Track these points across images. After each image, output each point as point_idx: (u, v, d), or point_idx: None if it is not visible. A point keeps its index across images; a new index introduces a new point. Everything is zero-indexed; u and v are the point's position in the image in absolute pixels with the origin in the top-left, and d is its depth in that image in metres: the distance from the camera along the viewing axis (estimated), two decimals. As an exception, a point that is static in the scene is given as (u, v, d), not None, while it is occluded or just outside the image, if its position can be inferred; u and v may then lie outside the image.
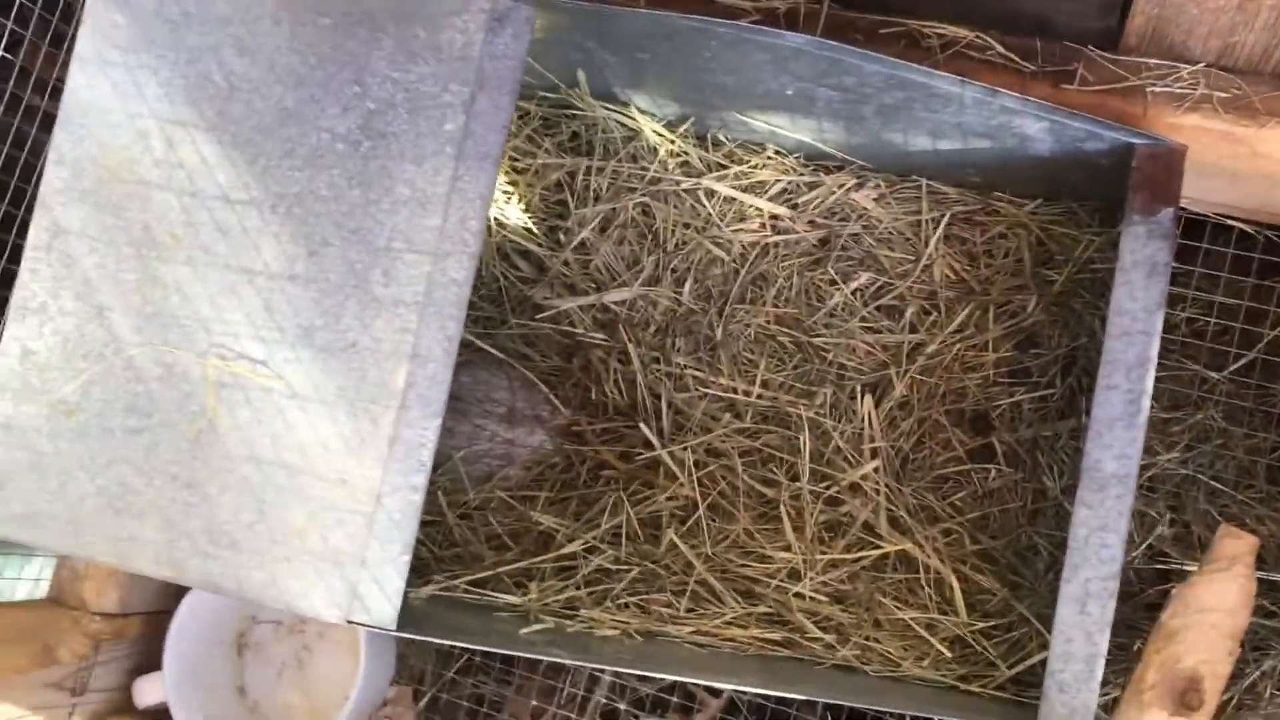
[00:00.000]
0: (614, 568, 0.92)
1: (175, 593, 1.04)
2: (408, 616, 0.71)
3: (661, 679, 1.00)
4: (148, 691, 1.02)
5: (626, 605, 0.91)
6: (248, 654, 1.09)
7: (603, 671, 1.02)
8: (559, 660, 0.85)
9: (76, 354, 0.75)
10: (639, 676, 1.02)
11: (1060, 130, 0.84)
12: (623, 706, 1.02)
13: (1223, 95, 0.86)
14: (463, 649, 1.06)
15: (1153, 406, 0.90)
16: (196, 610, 1.02)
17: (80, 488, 0.74)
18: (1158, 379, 0.81)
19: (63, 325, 0.76)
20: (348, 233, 0.73)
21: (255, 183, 0.74)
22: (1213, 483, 0.98)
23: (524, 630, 0.84)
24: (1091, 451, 0.79)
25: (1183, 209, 0.96)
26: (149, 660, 1.04)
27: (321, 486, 0.71)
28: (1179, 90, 0.87)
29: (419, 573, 0.91)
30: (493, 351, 1.02)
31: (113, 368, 0.74)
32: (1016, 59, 0.90)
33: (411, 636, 0.74)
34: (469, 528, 0.96)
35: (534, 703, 1.05)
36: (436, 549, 0.95)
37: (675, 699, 1.02)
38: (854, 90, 0.85)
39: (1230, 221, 0.95)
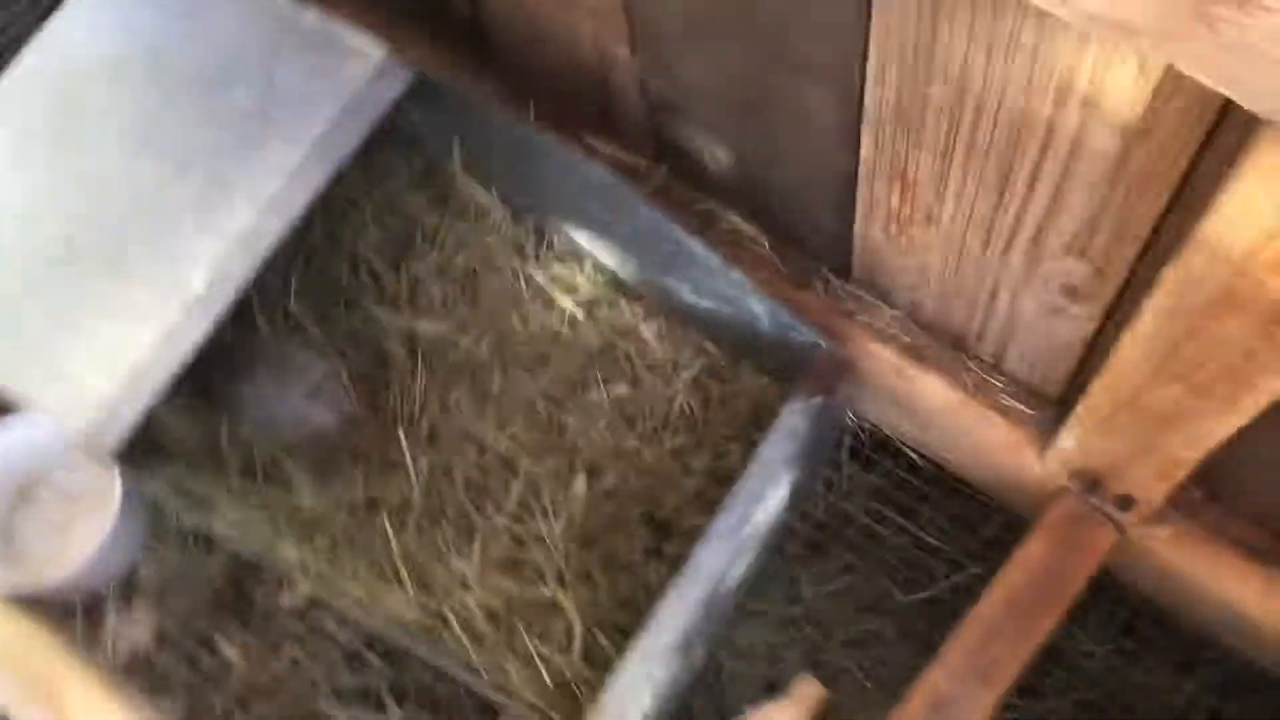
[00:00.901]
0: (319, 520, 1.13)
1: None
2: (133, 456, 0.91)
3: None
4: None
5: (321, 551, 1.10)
6: (24, 507, 1.27)
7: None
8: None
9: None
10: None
11: (775, 315, 1.08)
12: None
13: (905, 340, 1.11)
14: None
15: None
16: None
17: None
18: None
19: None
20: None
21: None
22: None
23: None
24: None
25: (869, 423, 1.21)
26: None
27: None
28: (877, 325, 1.12)
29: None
30: (320, 337, 1.24)
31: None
32: (778, 260, 1.16)
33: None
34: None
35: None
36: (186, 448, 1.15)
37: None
38: (642, 231, 1.10)
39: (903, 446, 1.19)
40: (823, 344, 1.06)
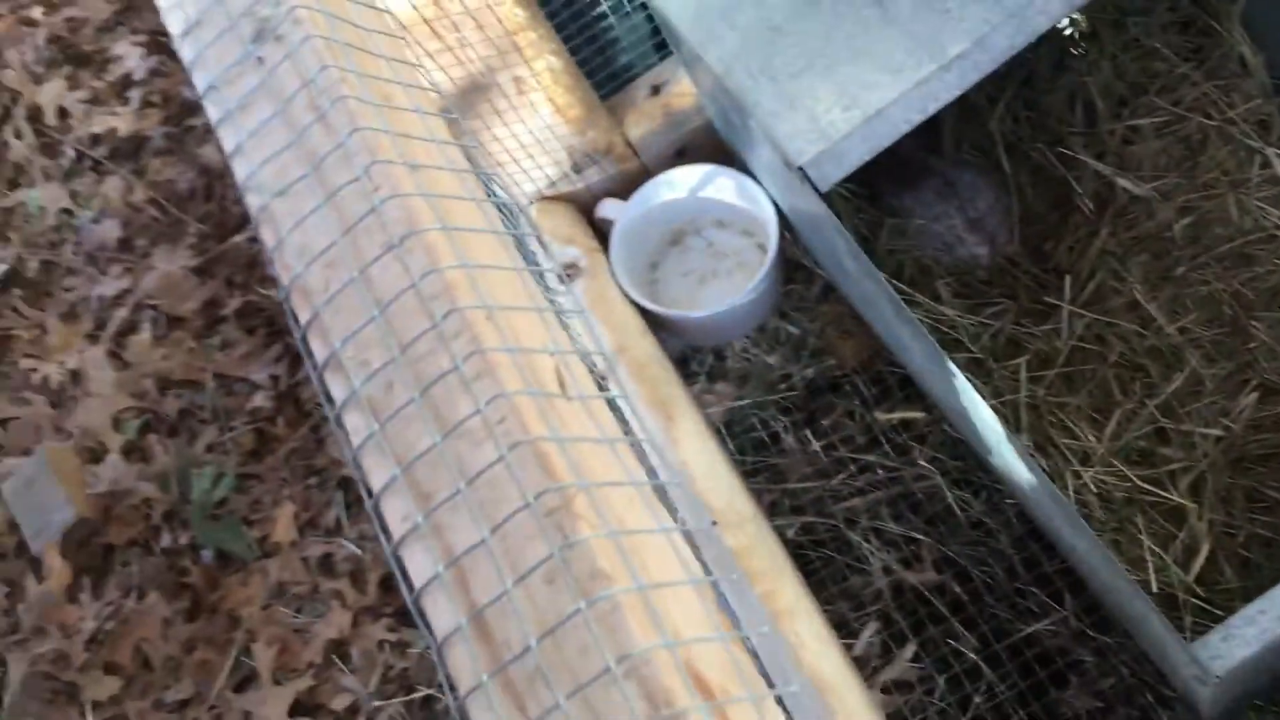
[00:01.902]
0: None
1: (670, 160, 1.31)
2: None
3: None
4: (607, 208, 1.29)
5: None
6: (676, 248, 1.35)
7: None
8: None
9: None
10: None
11: None
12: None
13: None
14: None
15: None
16: (662, 189, 1.27)
17: None
18: None
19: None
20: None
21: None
22: None
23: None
24: None
25: None
26: (619, 190, 1.31)
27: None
28: None
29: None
30: (1005, 164, 1.18)
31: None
32: None
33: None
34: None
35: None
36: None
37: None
38: None
39: None
40: None
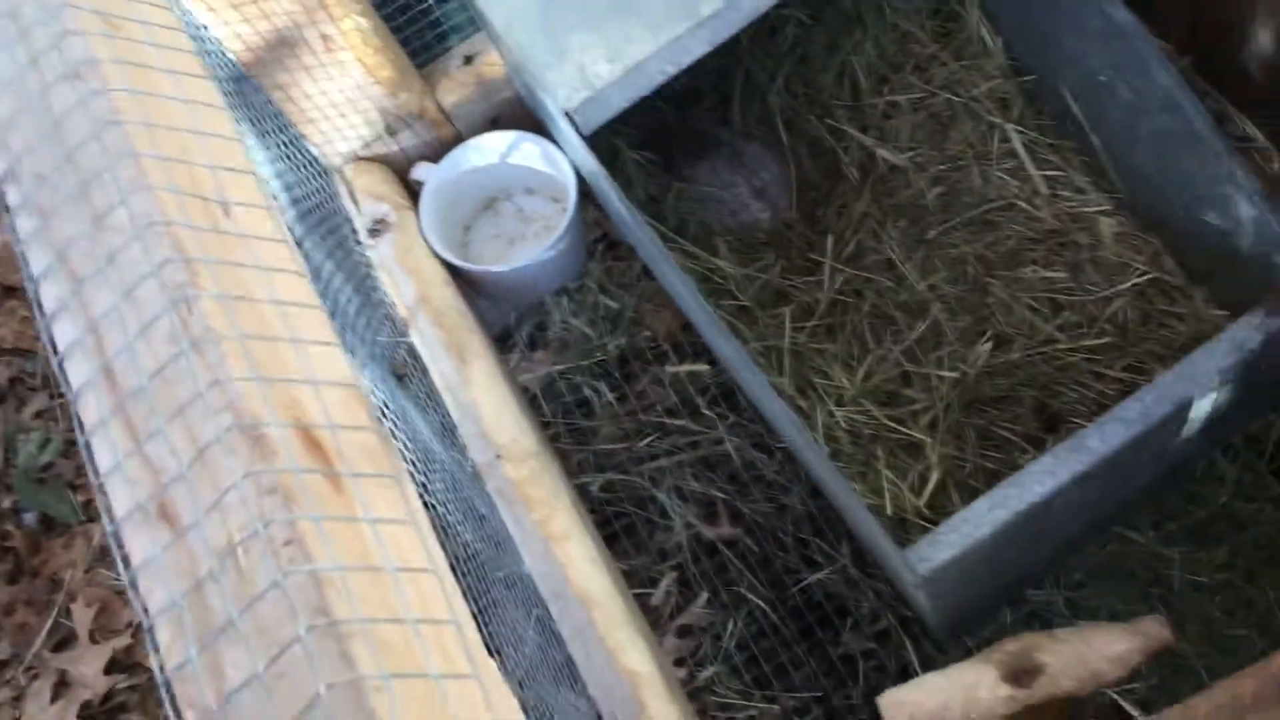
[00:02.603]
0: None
1: (483, 128, 1.38)
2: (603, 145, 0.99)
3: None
4: (420, 170, 1.36)
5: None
6: (488, 213, 1.42)
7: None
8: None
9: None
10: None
11: (1261, 228, 0.98)
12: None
13: None
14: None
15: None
16: (470, 154, 1.34)
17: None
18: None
19: None
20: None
21: None
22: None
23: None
24: (1090, 422, 0.94)
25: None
26: (434, 155, 1.38)
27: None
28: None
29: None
30: (783, 136, 1.28)
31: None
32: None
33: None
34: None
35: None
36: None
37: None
38: (1142, 99, 1.03)
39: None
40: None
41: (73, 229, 0.45)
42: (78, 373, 0.44)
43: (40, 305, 0.46)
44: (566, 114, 0.99)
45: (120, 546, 0.41)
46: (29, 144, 0.48)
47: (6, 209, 0.50)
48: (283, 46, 1.19)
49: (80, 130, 0.47)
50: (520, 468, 1.14)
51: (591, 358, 1.62)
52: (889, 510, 1.08)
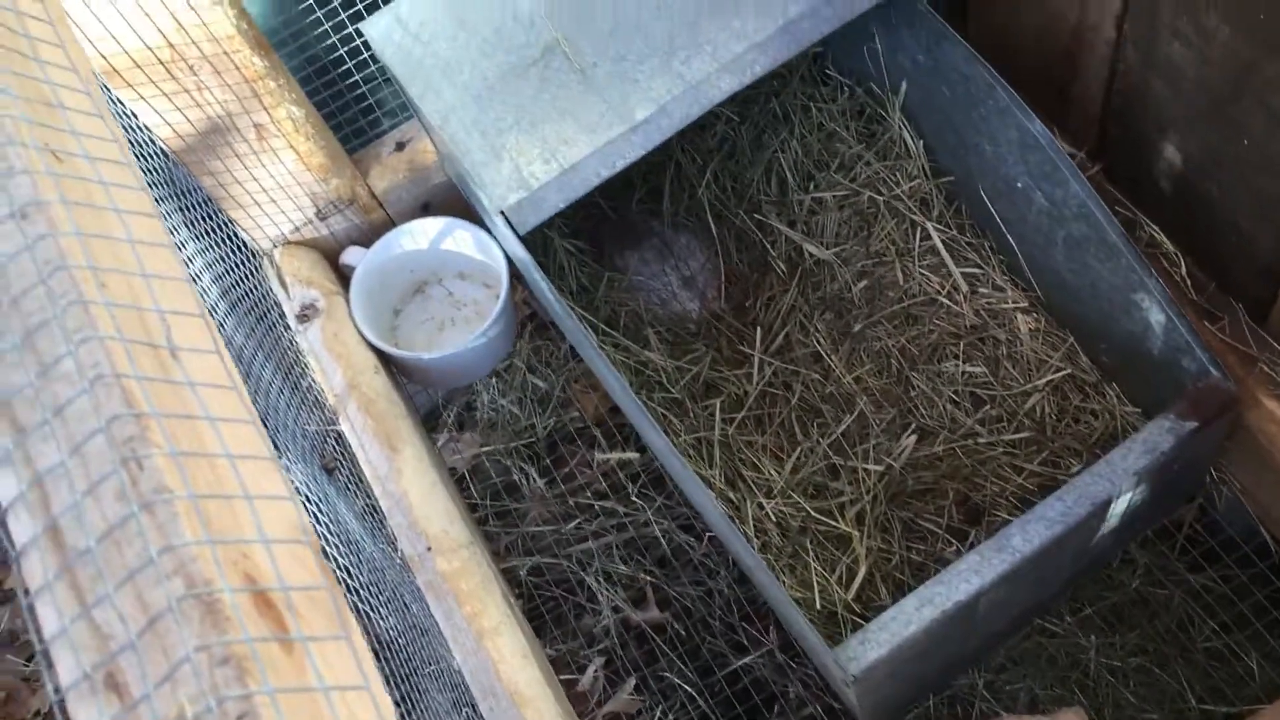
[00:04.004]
0: (662, 380, 1.18)
1: (415, 213, 1.38)
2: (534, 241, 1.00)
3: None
4: (350, 255, 1.36)
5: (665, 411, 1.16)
6: (418, 296, 1.42)
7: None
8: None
9: None
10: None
11: (1170, 334, 1.03)
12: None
13: (1307, 404, 1.02)
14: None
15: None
16: (403, 239, 1.35)
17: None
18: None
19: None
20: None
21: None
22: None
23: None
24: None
25: (1228, 488, 1.12)
26: (365, 240, 1.38)
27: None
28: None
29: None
30: (712, 229, 1.31)
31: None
32: (1190, 286, 1.10)
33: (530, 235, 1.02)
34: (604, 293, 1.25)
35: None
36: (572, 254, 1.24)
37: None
38: (1057, 206, 1.08)
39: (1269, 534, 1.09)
40: (1214, 372, 1.00)
41: (18, 377, 0.45)
42: (21, 529, 0.43)
43: (-20, 456, 0.46)
44: (502, 214, 1.00)
45: (65, 716, 0.40)
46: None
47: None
48: (215, 134, 1.19)
49: (27, 275, 0.47)
50: (451, 559, 1.13)
51: (520, 439, 1.62)
52: (817, 604, 1.09)
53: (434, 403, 1.69)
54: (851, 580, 1.11)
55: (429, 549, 1.14)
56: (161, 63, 1.09)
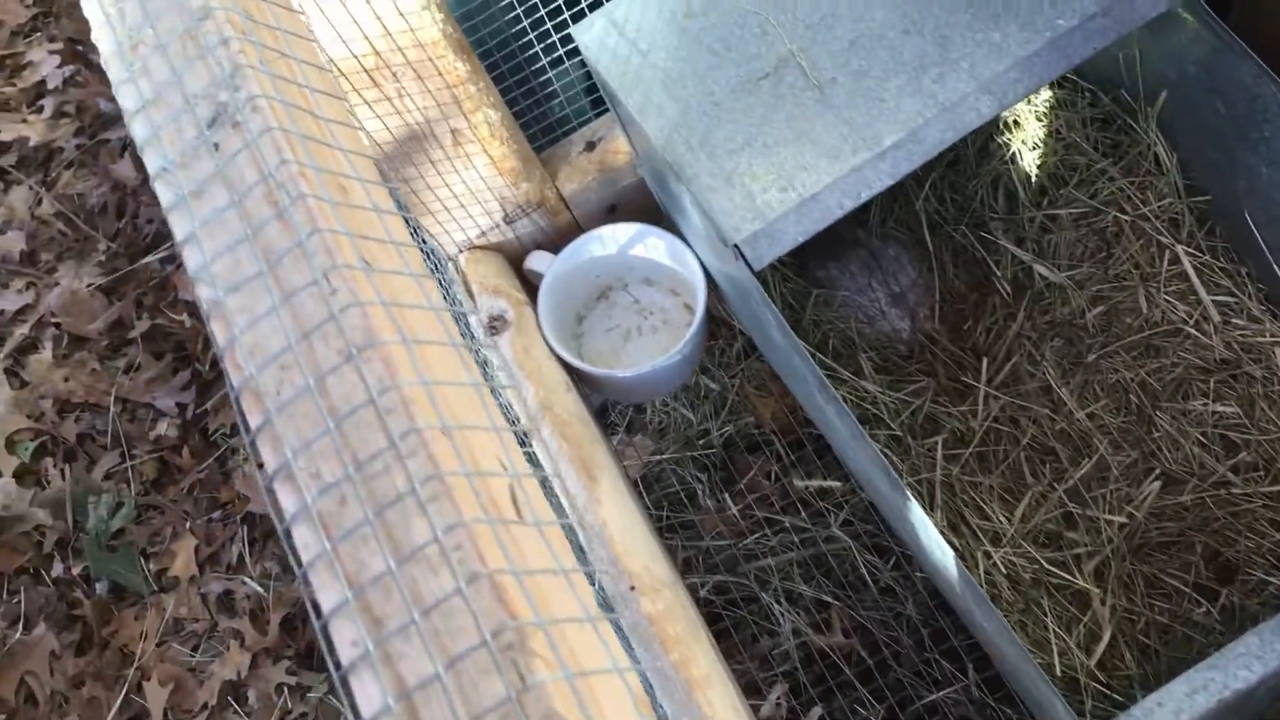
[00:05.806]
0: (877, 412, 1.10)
1: (601, 215, 1.31)
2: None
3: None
4: (536, 260, 1.29)
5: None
6: (602, 303, 1.35)
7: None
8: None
9: None
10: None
11: None
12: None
13: None
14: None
15: None
16: (592, 245, 1.28)
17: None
18: None
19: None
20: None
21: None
22: None
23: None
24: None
25: None
26: (549, 243, 1.31)
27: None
28: None
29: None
30: (928, 242, 1.21)
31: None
32: None
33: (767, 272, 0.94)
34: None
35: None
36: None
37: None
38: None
39: None
40: None
41: (367, 555, 0.39)
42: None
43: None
44: (735, 246, 0.92)
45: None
46: (305, 439, 0.42)
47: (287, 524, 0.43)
48: (412, 140, 1.13)
49: (373, 434, 0.41)
50: (656, 601, 1.07)
51: (694, 446, 1.56)
52: (1057, 669, 1.01)
53: (602, 402, 1.63)
54: (1094, 644, 1.02)
55: (632, 588, 1.08)
56: (366, 70, 1.03)
